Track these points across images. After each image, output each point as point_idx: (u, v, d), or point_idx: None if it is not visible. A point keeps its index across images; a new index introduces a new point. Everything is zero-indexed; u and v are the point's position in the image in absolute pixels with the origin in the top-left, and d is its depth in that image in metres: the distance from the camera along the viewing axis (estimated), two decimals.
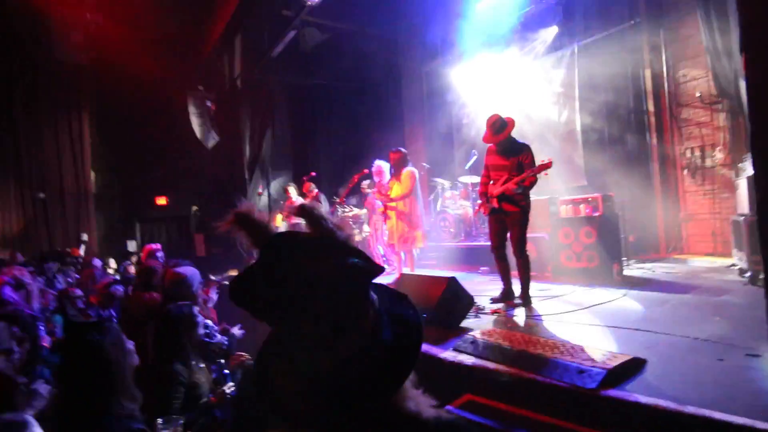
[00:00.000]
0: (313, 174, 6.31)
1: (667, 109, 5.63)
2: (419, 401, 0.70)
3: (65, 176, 10.40)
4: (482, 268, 5.67)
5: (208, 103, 10.37)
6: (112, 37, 9.45)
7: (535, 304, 3.68)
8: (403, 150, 5.07)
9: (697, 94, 5.26)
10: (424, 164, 7.77)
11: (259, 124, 10.54)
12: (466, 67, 7.83)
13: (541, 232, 5.20)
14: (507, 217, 3.64)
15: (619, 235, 4.64)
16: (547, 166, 3.41)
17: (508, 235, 3.73)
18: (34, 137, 10.10)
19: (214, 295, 3.66)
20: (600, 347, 2.31)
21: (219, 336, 2.53)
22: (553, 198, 5.32)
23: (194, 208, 10.84)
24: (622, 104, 6.05)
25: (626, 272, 4.63)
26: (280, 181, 10.39)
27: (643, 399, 1.76)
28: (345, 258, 0.68)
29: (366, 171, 5.16)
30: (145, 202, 10.90)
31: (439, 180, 7.71)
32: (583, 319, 3.11)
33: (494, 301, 3.69)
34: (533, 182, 3.53)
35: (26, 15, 8.84)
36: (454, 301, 3.12)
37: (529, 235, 5.29)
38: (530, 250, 5.21)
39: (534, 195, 5.69)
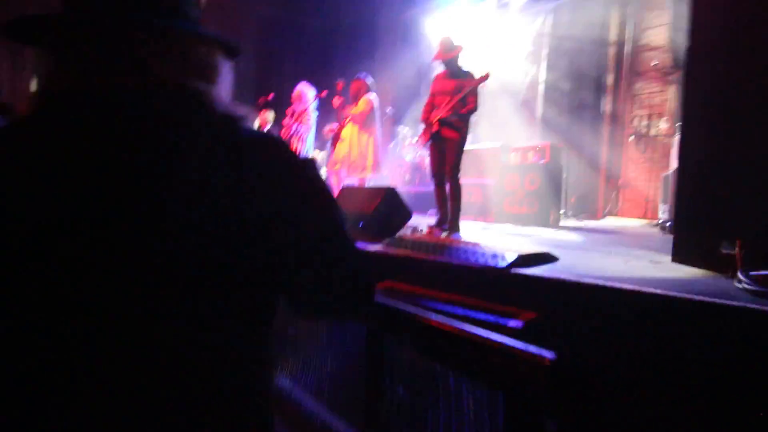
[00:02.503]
0: (270, 97, 5.96)
1: (624, 76, 5.80)
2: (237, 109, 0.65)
3: None
4: (431, 210, 5.74)
5: None
6: None
7: (472, 230, 3.76)
8: (363, 78, 4.94)
9: (654, 63, 5.43)
10: (388, 109, 7.68)
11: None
12: (441, 17, 7.69)
13: (489, 179, 5.30)
14: (446, 143, 3.62)
15: (561, 185, 4.81)
16: (483, 78, 3.40)
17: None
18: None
19: None
20: (519, 246, 2.40)
21: None
22: (505, 146, 5.41)
23: None
24: (585, 68, 6.16)
25: (562, 223, 4.84)
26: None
27: (548, 274, 1.84)
28: None
29: (324, 93, 5.02)
30: None
31: (401, 128, 7.70)
32: (512, 240, 3.23)
33: (430, 226, 3.72)
34: (471, 110, 3.51)
35: None
36: (391, 211, 3.13)
37: (476, 181, 5.44)
38: (476, 195, 5.37)
39: (487, 143, 5.79)
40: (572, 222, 5.07)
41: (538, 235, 3.68)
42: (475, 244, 2.42)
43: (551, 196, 4.63)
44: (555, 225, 4.56)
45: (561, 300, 1.77)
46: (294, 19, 10.22)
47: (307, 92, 5.05)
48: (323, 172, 7.10)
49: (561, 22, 6.41)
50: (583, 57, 6.13)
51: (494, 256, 2.05)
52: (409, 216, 3.24)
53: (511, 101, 6.36)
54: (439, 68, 3.75)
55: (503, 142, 5.57)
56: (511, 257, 1.99)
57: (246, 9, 9.96)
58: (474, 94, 3.48)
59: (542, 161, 4.80)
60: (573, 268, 2.08)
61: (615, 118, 5.87)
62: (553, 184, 4.65)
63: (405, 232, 3.44)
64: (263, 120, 6.62)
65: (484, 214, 5.23)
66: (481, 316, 1.83)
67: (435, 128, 3.63)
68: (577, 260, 2.33)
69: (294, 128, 5.10)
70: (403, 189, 6.92)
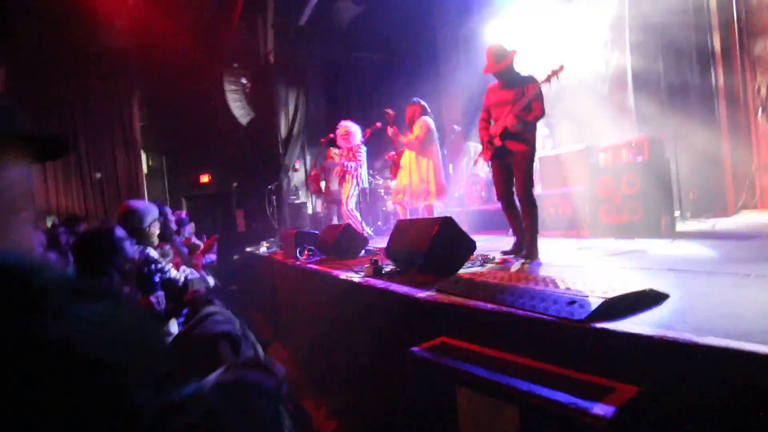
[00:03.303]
0: (331, 136, 5.92)
1: (737, 40, 4.71)
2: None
3: (118, 157, 11.10)
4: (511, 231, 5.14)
5: (243, 80, 10.48)
6: (152, 22, 9.75)
7: (558, 252, 3.17)
8: (418, 101, 4.67)
9: None
10: (456, 126, 7.30)
11: (294, 99, 10.56)
12: (502, 21, 7.19)
13: (576, 186, 4.58)
14: (512, 158, 3.12)
15: (671, 184, 3.94)
16: (555, 72, 2.91)
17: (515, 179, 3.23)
18: (90, 123, 10.83)
19: (212, 255, 3.93)
20: (611, 282, 1.83)
21: (174, 273, 2.36)
22: (591, 147, 4.66)
23: (234, 184, 11.07)
24: (681, 41, 5.17)
25: (679, 228, 3.94)
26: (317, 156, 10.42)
27: (645, 330, 1.29)
28: None
29: (378, 124, 4.83)
30: (189, 180, 11.32)
31: (471, 143, 7.23)
32: (609, 265, 2.59)
33: (505, 254, 3.23)
34: (538, 116, 3.00)
35: (74, 5, 9.33)
36: (450, 245, 2.71)
37: (562, 190, 4.74)
38: (564, 207, 4.67)
39: (568, 146, 5.07)
40: (694, 225, 4.12)
41: (646, 250, 2.95)
42: (549, 282, 1.91)
43: (659, 197, 3.80)
44: (670, 233, 3.70)
45: (671, 370, 1.22)
46: (356, 57, 10.49)
47: (353, 130, 4.94)
48: (390, 203, 6.86)
49: None
50: (675, 28, 5.15)
51: (571, 301, 1.54)
52: (472, 248, 2.78)
53: (593, 97, 5.56)
54: (492, 79, 3.32)
55: (588, 142, 4.81)
56: (594, 303, 1.47)
57: (310, 57, 10.46)
58: (539, 98, 3.01)
59: (640, 158, 3.99)
60: (690, 313, 1.48)
61: (732, 91, 4.78)
62: (660, 182, 3.82)
63: (473, 263, 3.01)
64: (329, 157, 6.71)
65: (576, 228, 4.50)
66: (553, 394, 1.34)
67: (498, 143, 3.18)
68: (698, 295, 1.69)
69: (346, 165, 4.98)
70: (480, 207, 6.40)
